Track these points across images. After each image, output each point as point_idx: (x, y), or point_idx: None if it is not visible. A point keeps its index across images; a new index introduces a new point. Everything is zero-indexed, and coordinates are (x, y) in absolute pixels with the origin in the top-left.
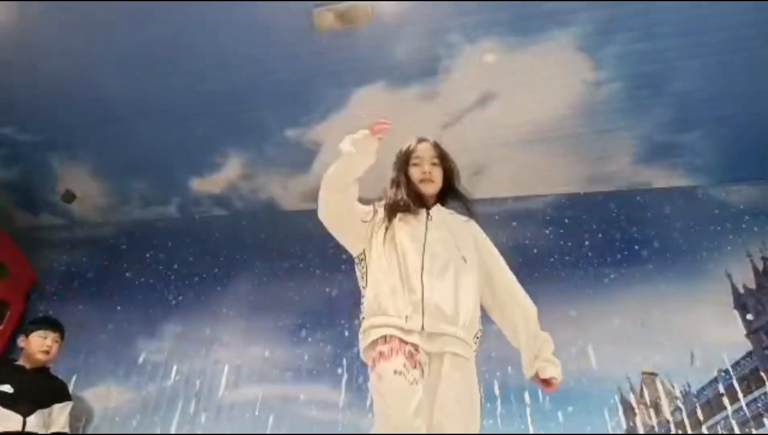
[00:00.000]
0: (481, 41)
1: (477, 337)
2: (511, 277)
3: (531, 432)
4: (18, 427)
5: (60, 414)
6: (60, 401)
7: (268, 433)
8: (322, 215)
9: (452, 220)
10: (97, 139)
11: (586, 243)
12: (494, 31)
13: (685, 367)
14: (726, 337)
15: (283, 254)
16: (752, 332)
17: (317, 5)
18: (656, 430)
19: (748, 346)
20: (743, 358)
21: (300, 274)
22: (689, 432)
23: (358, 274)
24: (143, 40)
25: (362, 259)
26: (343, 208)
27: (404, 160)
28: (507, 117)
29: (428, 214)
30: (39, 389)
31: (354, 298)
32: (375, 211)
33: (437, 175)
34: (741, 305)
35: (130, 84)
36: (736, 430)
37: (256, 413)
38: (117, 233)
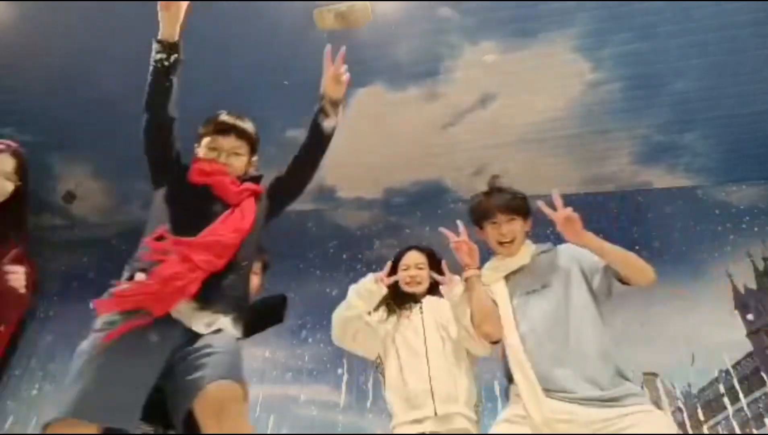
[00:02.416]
0: (481, 41)
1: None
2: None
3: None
4: None
5: None
6: None
7: (268, 433)
8: (337, 342)
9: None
10: (97, 139)
11: None
12: (494, 32)
13: (685, 367)
14: (726, 337)
15: (283, 254)
16: (753, 332)
17: (317, 5)
18: None
19: (748, 346)
20: (744, 358)
21: (300, 274)
22: (690, 432)
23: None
24: (143, 40)
25: (379, 364)
26: (350, 336)
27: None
28: (507, 117)
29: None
30: None
31: None
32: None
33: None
34: (741, 305)
35: (130, 84)
36: (737, 430)
37: (256, 413)
38: (117, 233)
